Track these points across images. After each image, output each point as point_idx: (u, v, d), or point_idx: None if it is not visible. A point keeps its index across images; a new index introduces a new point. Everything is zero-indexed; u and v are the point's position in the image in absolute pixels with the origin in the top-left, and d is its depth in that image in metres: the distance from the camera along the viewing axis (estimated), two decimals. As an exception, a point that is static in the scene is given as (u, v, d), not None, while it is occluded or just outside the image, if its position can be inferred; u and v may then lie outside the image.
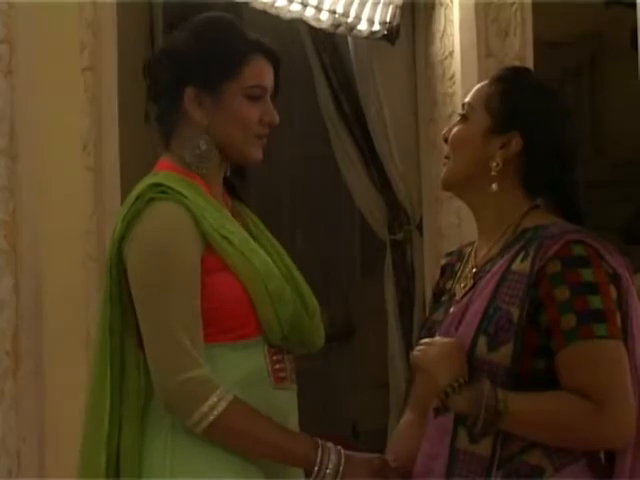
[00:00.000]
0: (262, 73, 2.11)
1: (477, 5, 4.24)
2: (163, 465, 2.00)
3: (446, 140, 2.11)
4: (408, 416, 2.13)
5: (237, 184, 2.19)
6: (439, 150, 4.38)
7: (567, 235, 1.93)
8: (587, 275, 1.89)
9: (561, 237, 1.93)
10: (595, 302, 1.88)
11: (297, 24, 4.24)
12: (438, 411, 1.95)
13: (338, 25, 4.13)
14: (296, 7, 3.97)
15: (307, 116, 5.26)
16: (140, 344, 2.05)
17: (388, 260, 4.56)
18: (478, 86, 2.10)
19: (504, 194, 2.01)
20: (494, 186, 1.99)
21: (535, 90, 2.05)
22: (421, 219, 4.49)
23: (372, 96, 4.49)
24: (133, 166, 4.16)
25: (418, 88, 4.48)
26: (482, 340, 1.91)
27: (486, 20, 4.26)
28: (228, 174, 2.17)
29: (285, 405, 2.08)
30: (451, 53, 4.35)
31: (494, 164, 1.99)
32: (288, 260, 2.16)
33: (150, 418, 2.05)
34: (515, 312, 1.89)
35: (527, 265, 1.91)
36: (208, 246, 2.02)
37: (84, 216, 3.38)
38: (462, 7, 4.28)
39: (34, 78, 3.32)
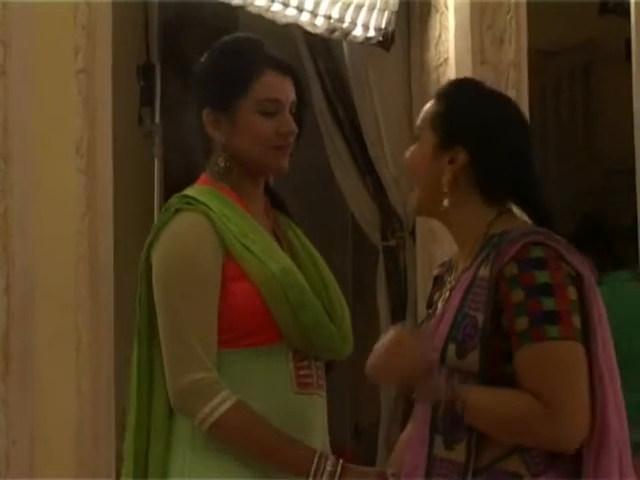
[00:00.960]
0: (274, 87, 2.17)
1: (472, 12, 4.24)
2: (181, 473, 2.09)
3: None
4: (410, 427, 2.14)
5: (280, 197, 2.30)
6: (433, 156, 4.38)
7: (526, 237, 1.94)
8: (542, 277, 1.89)
9: (520, 239, 1.93)
10: (548, 304, 1.88)
11: (292, 29, 4.23)
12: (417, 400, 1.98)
13: (333, 30, 4.13)
14: (291, 12, 3.96)
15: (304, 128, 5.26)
16: None
17: (381, 266, 4.56)
18: (425, 106, 2.15)
19: (465, 206, 2.04)
20: (445, 201, 2.02)
21: (475, 101, 2.08)
22: (414, 225, 4.49)
23: (367, 102, 4.49)
24: (126, 169, 4.16)
25: (413, 94, 4.48)
26: (451, 348, 1.92)
27: (481, 27, 4.26)
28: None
29: (308, 410, 2.14)
30: (446, 60, 4.35)
31: (444, 179, 2.03)
32: (324, 271, 2.24)
33: (175, 423, 2.12)
34: (480, 318, 1.91)
35: (488, 270, 1.93)
36: (228, 254, 2.11)
37: (76, 218, 3.38)
38: (457, 14, 4.28)
39: (28, 79, 3.32)
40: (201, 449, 2.07)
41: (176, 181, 5.20)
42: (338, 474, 2.02)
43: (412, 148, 2.13)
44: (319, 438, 2.14)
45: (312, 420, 2.14)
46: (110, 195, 3.50)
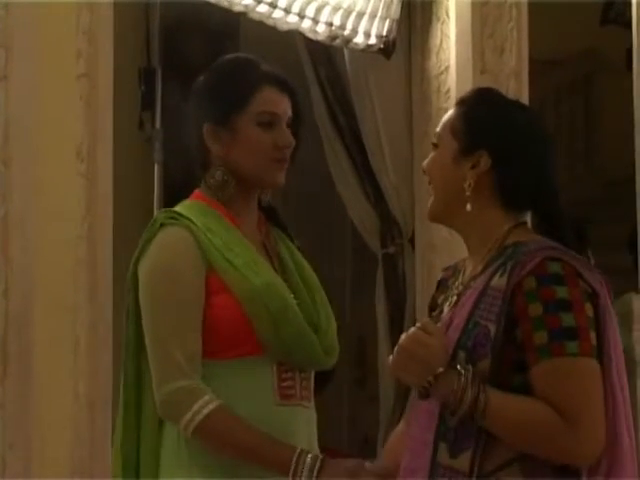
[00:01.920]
0: (271, 101, 2.24)
1: (474, 21, 4.25)
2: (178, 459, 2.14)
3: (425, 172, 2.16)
4: (401, 426, 2.15)
5: (275, 211, 2.34)
6: (433, 164, 4.38)
7: (544, 252, 1.95)
8: (561, 292, 1.91)
9: (538, 254, 1.95)
10: (567, 319, 1.90)
11: (294, 35, 4.24)
12: (421, 395, 1.96)
13: (334, 37, 4.14)
14: (293, 19, 3.97)
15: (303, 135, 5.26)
16: None
17: (380, 273, 4.56)
18: (446, 114, 2.17)
19: (484, 213, 2.05)
20: (468, 206, 2.03)
21: (497, 107, 2.10)
22: (413, 233, 4.49)
23: (367, 109, 4.49)
24: (126, 173, 4.17)
25: (413, 102, 4.48)
26: (461, 355, 1.93)
27: (482, 36, 4.27)
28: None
29: (290, 422, 2.17)
30: (447, 68, 4.35)
31: (467, 185, 2.04)
32: (313, 284, 2.29)
33: (163, 433, 2.18)
34: (492, 328, 1.92)
35: (504, 281, 1.94)
36: (211, 268, 2.17)
37: (75, 222, 3.38)
38: (459, 22, 4.29)
39: (29, 84, 3.32)
40: (186, 459, 2.13)
41: (176, 186, 5.21)
42: (317, 469, 2.05)
43: (431, 155, 2.14)
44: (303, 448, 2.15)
45: (295, 431, 2.17)
46: (110, 199, 3.50)
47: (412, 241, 4.49)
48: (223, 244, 2.17)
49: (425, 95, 4.42)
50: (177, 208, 2.23)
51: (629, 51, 4.22)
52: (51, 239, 3.30)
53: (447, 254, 4.26)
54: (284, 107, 2.24)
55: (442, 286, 2.15)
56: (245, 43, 5.63)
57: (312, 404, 2.23)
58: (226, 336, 2.14)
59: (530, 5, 4.32)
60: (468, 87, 4.31)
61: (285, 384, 2.17)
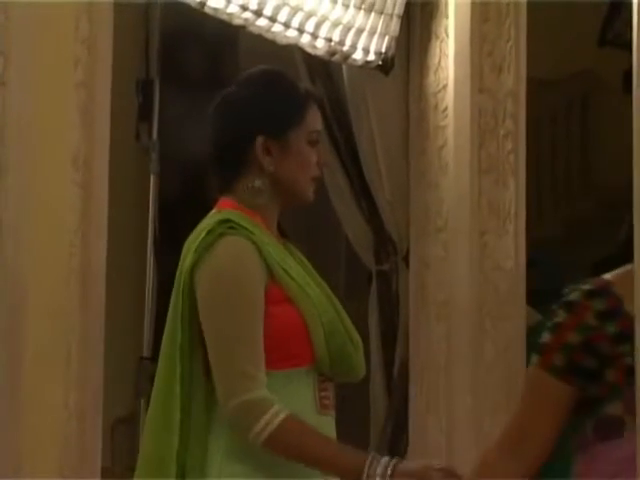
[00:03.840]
0: (317, 119, 2.32)
1: (472, 39, 4.25)
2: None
3: None
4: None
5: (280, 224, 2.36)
6: (428, 182, 4.39)
7: None
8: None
9: None
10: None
11: (293, 50, 4.24)
12: None
13: (333, 53, 4.14)
14: (292, 33, 3.97)
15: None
16: (206, 370, 2.19)
17: (373, 290, 4.55)
18: None
19: None
20: None
21: None
22: (408, 250, 4.49)
23: (364, 125, 4.49)
24: (122, 184, 4.16)
25: (410, 119, 4.48)
26: None
27: (481, 55, 4.27)
28: None
29: (327, 430, 2.22)
30: (445, 86, 4.36)
31: None
32: (333, 296, 2.33)
33: (211, 435, 2.19)
34: None
35: None
36: (272, 278, 2.20)
37: (69, 231, 3.37)
38: (457, 41, 4.29)
39: (27, 91, 3.31)
40: (234, 461, 2.15)
41: (171, 197, 5.20)
42: (390, 471, 2.10)
43: None
44: None
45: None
46: (105, 209, 3.49)
47: (406, 259, 4.49)
48: (278, 255, 2.22)
49: (422, 112, 4.42)
50: (229, 217, 2.22)
51: (627, 73, 4.22)
52: (45, 248, 3.30)
53: (441, 273, 4.26)
54: (321, 124, 2.34)
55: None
56: (244, 56, 5.63)
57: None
58: (286, 346, 2.18)
59: (529, 25, 4.33)
60: (465, 105, 4.33)
61: (323, 394, 2.23)
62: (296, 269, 2.23)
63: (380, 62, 4.29)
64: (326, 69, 4.53)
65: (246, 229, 2.19)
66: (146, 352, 4.24)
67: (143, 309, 4.31)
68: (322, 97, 2.40)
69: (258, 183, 2.23)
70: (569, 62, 6.89)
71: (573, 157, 7.48)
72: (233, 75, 5.90)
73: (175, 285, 2.23)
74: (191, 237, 2.23)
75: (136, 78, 4.47)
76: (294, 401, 2.17)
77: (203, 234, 2.19)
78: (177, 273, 2.23)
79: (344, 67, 4.43)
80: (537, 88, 5.70)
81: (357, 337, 2.30)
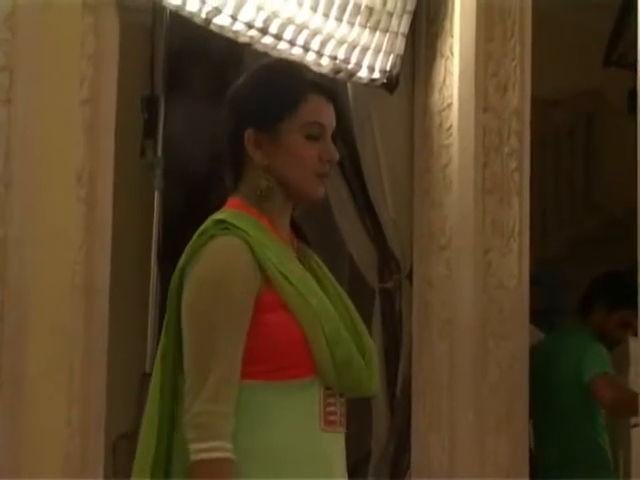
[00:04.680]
0: (319, 111, 2.13)
1: (477, 58, 4.26)
2: None
3: None
4: None
5: (299, 226, 2.23)
6: (432, 200, 4.39)
7: None
8: None
9: None
10: None
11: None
12: None
13: (338, 71, 4.15)
14: (297, 51, 3.98)
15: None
16: None
17: (377, 308, 4.55)
18: None
19: None
20: None
21: None
22: (411, 268, 4.48)
23: (369, 143, 4.50)
24: (126, 200, 4.16)
25: (415, 137, 4.49)
26: None
27: (486, 74, 4.28)
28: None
29: (331, 449, 2.09)
30: (449, 105, 4.36)
31: None
32: (349, 304, 2.18)
33: None
34: None
35: None
36: (267, 282, 2.05)
37: (73, 247, 3.37)
38: (462, 60, 4.30)
39: (33, 107, 3.33)
40: None
41: (176, 214, 5.21)
42: None
43: None
44: (340, 478, 2.11)
45: (335, 460, 2.10)
46: (109, 226, 3.49)
47: (410, 277, 4.49)
48: (277, 258, 2.06)
49: (427, 131, 4.43)
50: (224, 217, 2.09)
51: (631, 92, 4.23)
52: (49, 263, 3.30)
53: (444, 291, 4.26)
54: (330, 118, 2.14)
55: None
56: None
57: (345, 431, 2.15)
58: (282, 356, 2.04)
59: (534, 44, 4.34)
60: (470, 124, 4.33)
61: (329, 409, 2.08)
62: (298, 274, 2.08)
63: (385, 80, 4.30)
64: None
65: (241, 229, 2.06)
66: (149, 368, 4.23)
67: (146, 325, 4.30)
68: (335, 90, 2.20)
69: (264, 182, 2.11)
70: (574, 82, 6.89)
71: (577, 176, 7.48)
72: (238, 92, 5.92)
73: (169, 290, 2.12)
74: (192, 241, 2.11)
75: (141, 95, 4.48)
76: (294, 415, 2.05)
77: (195, 236, 2.08)
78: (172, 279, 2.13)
79: (349, 85, 4.44)
80: (542, 107, 5.70)
81: (370, 351, 2.13)
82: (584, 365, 4.37)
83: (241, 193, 2.14)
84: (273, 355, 2.04)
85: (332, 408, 2.09)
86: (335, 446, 2.10)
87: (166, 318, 2.12)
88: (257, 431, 2.04)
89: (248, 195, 2.13)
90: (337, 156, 2.16)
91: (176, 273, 2.09)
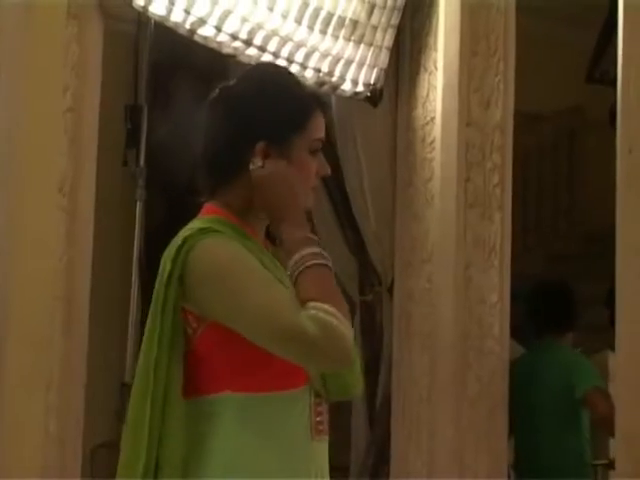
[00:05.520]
0: (321, 126, 2.14)
1: (461, 73, 4.27)
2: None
3: None
4: None
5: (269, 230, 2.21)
6: (414, 213, 4.40)
7: None
8: None
9: None
10: None
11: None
12: None
13: (322, 84, 4.16)
14: (281, 63, 3.99)
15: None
16: (184, 390, 2.03)
17: (357, 321, 4.55)
18: None
19: None
20: None
21: None
22: (392, 282, 4.49)
23: (352, 156, 4.51)
24: (108, 210, 4.16)
25: (398, 151, 4.50)
26: None
27: (469, 89, 4.29)
28: None
29: (321, 457, 2.09)
30: (432, 119, 4.37)
31: None
32: None
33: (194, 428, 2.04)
34: None
35: None
36: None
37: (54, 256, 3.36)
38: (446, 74, 4.31)
39: (15, 116, 3.32)
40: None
41: (157, 225, 5.20)
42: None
43: None
44: None
45: (323, 466, 2.10)
46: (90, 235, 3.49)
47: (391, 290, 4.49)
48: (262, 260, 2.04)
49: (410, 144, 4.44)
50: (203, 225, 2.05)
51: (613, 109, 4.25)
52: (29, 272, 3.28)
53: (425, 305, 4.26)
54: (324, 131, 2.16)
55: None
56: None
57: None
58: (279, 366, 2.01)
59: (518, 59, 4.35)
60: (453, 138, 4.34)
61: (319, 418, 2.08)
62: (282, 278, 2.03)
63: (369, 93, 4.31)
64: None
65: (225, 233, 2.03)
66: (128, 378, 4.22)
67: (126, 336, 4.29)
68: (328, 104, 2.20)
69: (250, 193, 2.06)
70: (557, 97, 6.93)
71: (559, 192, 7.51)
72: (222, 103, 5.92)
73: (153, 302, 2.06)
74: (166, 251, 2.07)
75: (125, 104, 4.47)
76: (289, 427, 2.03)
77: (180, 242, 2.03)
78: (154, 292, 2.06)
79: (333, 97, 4.45)
80: (525, 122, 5.72)
81: (354, 355, 2.10)
82: (577, 378, 4.38)
83: (219, 200, 2.11)
84: (269, 365, 2.02)
85: (321, 417, 2.09)
86: (323, 454, 2.10)
87: (157, 333, 2.05)
88: (250, 444, 2.02)
89: (228, 203, 2.10)
90: (329, 171, 2.16)
91: (164, 283, 2.03)
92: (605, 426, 4.27)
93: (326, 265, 2.02)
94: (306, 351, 1.95)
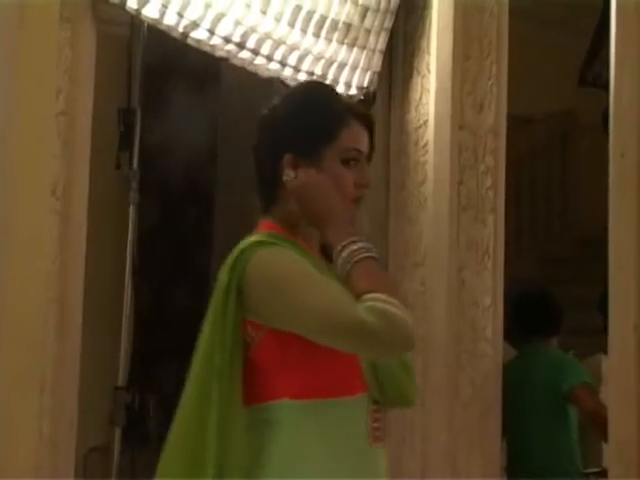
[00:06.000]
0: (357, 137, 2.17)
1: (454, 76, 4.28)
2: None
3: None
4: None
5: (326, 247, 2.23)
6: (407, 217, 4.40)
7: None
8: None
9: None
10: None
11: (275, 83, 4.26)
12: None
13: (315, 87, 4.16)
14: (275, 66, 3.99)
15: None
16: (244, 397, 2.06)
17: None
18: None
19: None
20: None
21: None
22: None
23: (345, 159, 4.51)
24: (101, 213, 4.15)
25: (391, 154, 4.50)
26: None
27: (462, 92, 4.29)
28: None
29: (379, 464, 2.11)
30: (425, 122, 4.38)
31: None
32: None
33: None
34: None
35: None
36: None
37: (47, 260, 3.36)
38: (439, 77, 4.32)
39: (8, 119, 3.31)
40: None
41: (151, 228, 5.20)
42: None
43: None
44: None
45: (380, 473, 2.12)
46: (83, 239, 3.48)
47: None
48: (319, 269, 2.07)
49: (403, 147, 4.44)
50: (261, 238, 2.11)
51: (605, 112, 4.26)
52: (22, 275, 3.28)
53: (419, 308, 4.26)
54: (366, 144, 2.19)
55: None
56: (226, 88, 5.65)
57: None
58: (336, 373, 2.06)
59: (510, 62, 4.36)
60: (446, 142, 4.35)
61: (376, 425, 2.10)
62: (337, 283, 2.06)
63: (362, 97, 4.31)
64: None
65: (280, 245, 2.08)
66: (121, 381, 4.22)
67: (119, 338, 4.29)
68: (371, 115, 2.24)
69: (295, 206, 2.12)
70: (550, 101, 6.94)
71: (553, 195, 7.52)
72: (215, 106, 5.93)
73: (210, 314, 2.09)
74: (224, 265, 2.11)
75: (118, 107, 4.46)
76: (347, 433, 2.06)
77: (237, 253, 2.08)
78: (211, 304, 2.10)
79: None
80: (518, 126, 5.73)
81: (408, 360, 2.17)
82: (564, 375, 4.41)
83: (273, 216, 2.17)
84: (327, 372, 2.05)
85: (378, 424, 2.11)
86: (382, 462, 2.12)
87: (218, 340, 2.07)
88: (309, 451, 2.04)
89: (281, 218, 2.15)
90: (371, 181, 2.19)
91: (222, 291, 2.07)
92: (592, 423, 4.30)
93: (374, 257, 2.06)
94: (369, 342, 1.97)
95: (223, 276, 2.08)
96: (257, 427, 2.07)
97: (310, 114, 2.15)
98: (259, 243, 2.09)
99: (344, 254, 2.04)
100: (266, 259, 2.05)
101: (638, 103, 2.91)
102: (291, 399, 2.05)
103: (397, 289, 2.07)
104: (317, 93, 2.22)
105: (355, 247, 2.05)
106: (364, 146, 2.18)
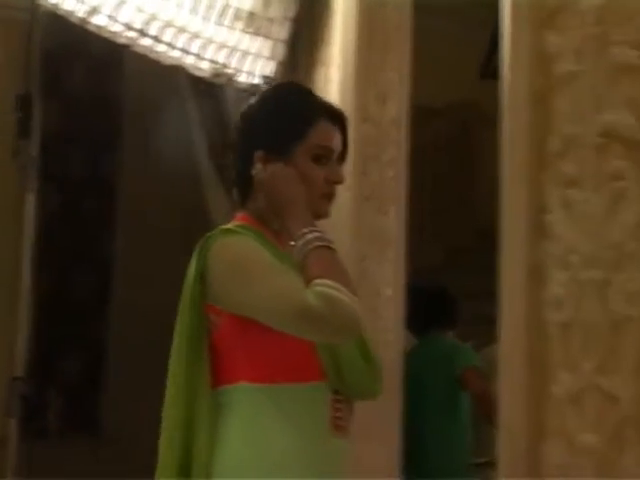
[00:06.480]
0: (327, 136, 2.24)
1: (358, 68, 4.28)
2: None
3: None
4: None
5: None
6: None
7: None
8: None
9: None
10: None
11: (178, 71, 4.23)
12: None
13: (218, 75, 4.14)
14: (177, 54, 3.96)
15: (183, 168, 5.25)
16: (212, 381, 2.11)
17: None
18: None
19: None
20: None
21: None
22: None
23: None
24: (-2, 201, 4.08)
25: (294, 144, 4.50)
26: None
27: (365, 83, 4.31)
28: None
29: (341, 455, 2.15)
30: (329, 112, 4.38)
31: None
32: None
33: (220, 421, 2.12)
34: None
35: None
36: None
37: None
38: (342, 69, 4.32)
39: None
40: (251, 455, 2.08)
41: (52, 215, 5.12)
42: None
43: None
44: None
45: (342, 465, 2.15)
46: (-21, 227, 3.42)
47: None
48: (280, 260, 2.13)
49: (306, 137, 4.43)
50: (229, 226, 2.19)
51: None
52: None
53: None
54: (337, 141, 2.25)
55: None
56: (129, 74, 5.59)
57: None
58: (292, 359, 2.10)
59: (414, 54, 4.38)
60: (350, 133, 4.35)
61: (338, 414, 2.14)
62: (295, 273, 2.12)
63: (265, 86, 4.30)
64: (211, 90, 4.53)
65: (246, 235, 2.15)
66: (19, 372, 4.16)
67: (16, 329, 4.23)
68: (343, 115, 2.32)
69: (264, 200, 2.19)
70: (453, 92, 7.01)
71: (455, 186, 7.60)
72: (118, 93, 5.87)
73: (181, 302, 2.16)
74: (194, 253, 2.17)
75: (15, 93, 4.39)
76: (304, 419, 2.10)
77: (202, 242, 2.16)
78: (183, 286, 2.17)
79: (229, 90, 4.43)
80: (422, 117, 5.77)
81: (372, 352, 2.20)
82: (455, 359, 4.51)
83: (248, 210, 2.24)
84: (282, 357, 2.10)
85: (340, 413, 2.14)
86: (343, 453, 2.16)
87: (190, 302, 2.13)
88: (266, 434, 2.08)
89: (254, 212, 2.22)
90: (343, 178, 2.25)
91: (190, 279, 2.13)
92: (481, 405, 4.39)
93: (330, 247, 2.12)
94: (315, 325, 2.02)
95: (192, 262, 2.15)
96: (217, 411, 2.12)
97: (282, 114, 2.23)
98: (225, 231, 2.16)
99: (300, 243, 2.10)
100: (227, 245, 2.12)
101: (528, 94, 2.94)
102: (248, 382, 2.10)
103: (349, 278, 2.11)
104: (290, 93, 2.29)
105: (311, 236, 2.11)
106: (335, 144, 2.25)
